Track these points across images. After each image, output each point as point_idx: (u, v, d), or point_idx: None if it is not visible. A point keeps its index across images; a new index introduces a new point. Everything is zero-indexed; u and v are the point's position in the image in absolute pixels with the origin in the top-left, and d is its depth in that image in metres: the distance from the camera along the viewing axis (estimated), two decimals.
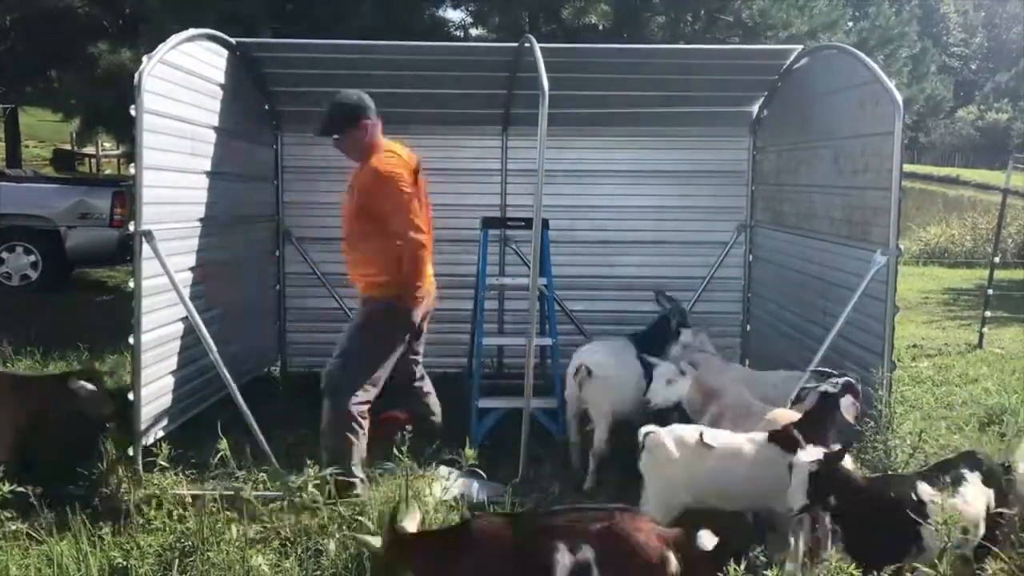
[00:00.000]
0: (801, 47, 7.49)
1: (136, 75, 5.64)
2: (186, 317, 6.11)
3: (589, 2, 11.70)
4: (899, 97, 5.52)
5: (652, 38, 12.93)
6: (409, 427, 4.97)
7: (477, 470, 5.25)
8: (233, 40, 7.11)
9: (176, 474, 5.54)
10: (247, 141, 7.83)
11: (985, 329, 10.85)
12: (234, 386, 5.82)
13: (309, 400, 7.42)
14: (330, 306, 8.68)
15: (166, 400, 6.20)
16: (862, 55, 6.10)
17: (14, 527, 4.60)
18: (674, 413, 5.70)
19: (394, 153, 5.69)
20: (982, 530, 4.28)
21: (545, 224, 6.76)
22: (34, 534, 4.62)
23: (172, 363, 6.31)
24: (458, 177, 8.53)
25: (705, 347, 6.68)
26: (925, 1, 66.63)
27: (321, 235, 8.60)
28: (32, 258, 13.12)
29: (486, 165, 8.62)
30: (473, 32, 14.08)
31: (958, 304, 14.39)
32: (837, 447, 4.25)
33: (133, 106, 5.63)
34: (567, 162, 8.47)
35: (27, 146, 29.63)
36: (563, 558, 3.58)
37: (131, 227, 5.71)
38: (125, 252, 12.07)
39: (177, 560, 4.45)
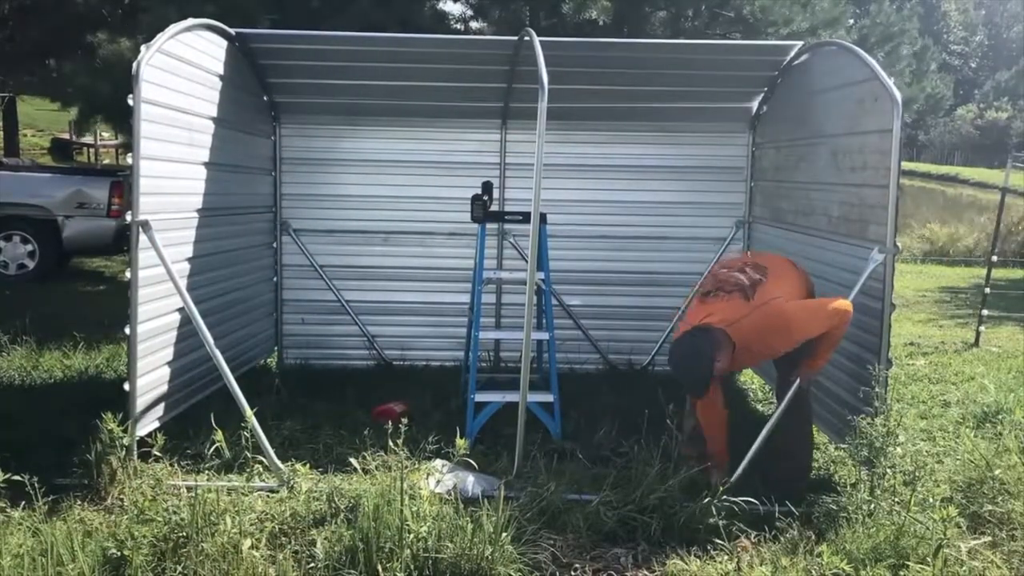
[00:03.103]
0: (801, 43, 7.47)
1: (134, 64, 5.63)
2: (182, 308, 6.10)
3: None
4: (898, 95, 5.50)
5: (653, 33, 12.93)
6: (404, 419, 4.97)
7: (469, 461, 5.26)
8: (232, 31, 7.08)
9: (171, 465, 5.56)
10: (245, 132, 7.82)
11: (982, 327, 10.86)
12: (231, 377, 5.80)
13: (305, 392, 7.46)
14: (327, 298, 8.69)
15: (162, 390, 6.19)
16: (861, 52, 6.08)
17: (10, 515, 4.59)
18: None
19: None
20: None
21: (543, 218, 6.75)
22: (28, 523, 4.61)
23: (168, 354, 6.31)
24: (456, 170, 8.52)
25: None
26: None
27: (319, 227, 8.60)
28: (29, 247, 13.15)
29: (485, 159, 8.60)
30: (473, 25, 14.06)
31: (956, 302, 14.40)
32: None
33: (131, 96, 5.62)
34: (566, 156, 8.46)
35: (25, 135, 29.68)
36: None
37: (128, 217, 5.69)
38: (122, 242, 12.07)
39: (171, 551, 4.45)
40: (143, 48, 5.76)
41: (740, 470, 5.60)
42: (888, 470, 5.13)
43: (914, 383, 8.60)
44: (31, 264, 13.18)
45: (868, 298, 5.69)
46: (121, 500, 5.20)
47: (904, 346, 10.48)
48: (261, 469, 5.24)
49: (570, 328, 8.72)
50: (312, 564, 4.53)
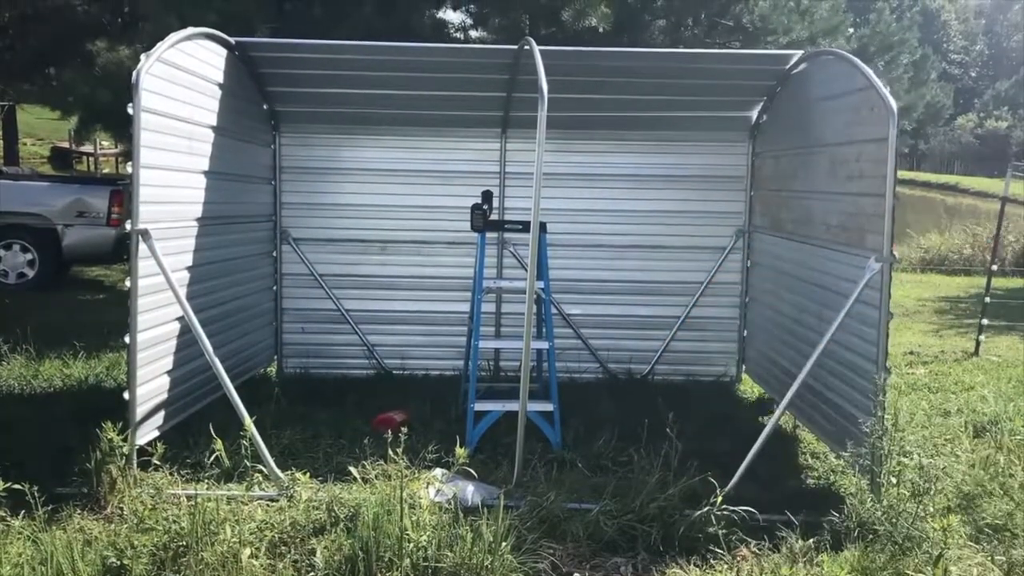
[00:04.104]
0: (800, 52, 7.49)
1: (134, 73, 5.64)
2: (182, 317, 6.10)
3: (589, 5, 11.67)
4: (893, 103, 5.50)
5: (653, 42, 12.95)
6: (404, 428, 4.98)
7: (469, 470, 5.26)
8: (232, 39, 7.10)
9: (171, 473, 5.55)
10: (245, 141, 7.83)
11: (982, 337, 10.86)
12: (230, 386, 5.81)
13: (304, 401, 7.46)
14: (327, 307, 8.69)
15: (162, 399, 6.19)
16: (857, 61, 6.09)
17: (10, 524, 4.58)
18: None
19: None
20: None
21: (543, 227, 6.75)
22: (28, 532, 4.61)
23: (168, 363, 6.31)
24: (456, 179, 8.53)
25: None
26: (926, 8, 66.78)
27: (319, 236, 8.61)
28: (29, 256, 13.15)
29: (484, 168, 8.61)
30: (473, 34, 14.07)
31: (955, 312, 14.40)
32: None
33: (131, 104, 5.63)
34: (566, 165, 8.47)
35: (25, 144, 29.72)
36: None
37: (128, 226, 5.70)
38: (122, 251, 12.08)
39: (170, 560, 4.45)
40: (143, 57, 5.77)
41: (736, 478, 5.60)
42: (889, 479, 5.13)
43: (914, 392, 8.59)
44: (31, 273, 13.19)
45: (866, 307, 5.69)
46: (121, 509, 5.20)
47: (904, 355, 10.48)
48: (261, 478, 5.24)
49: (570, 337, 8.71)
50: (312, 573, 4.53)
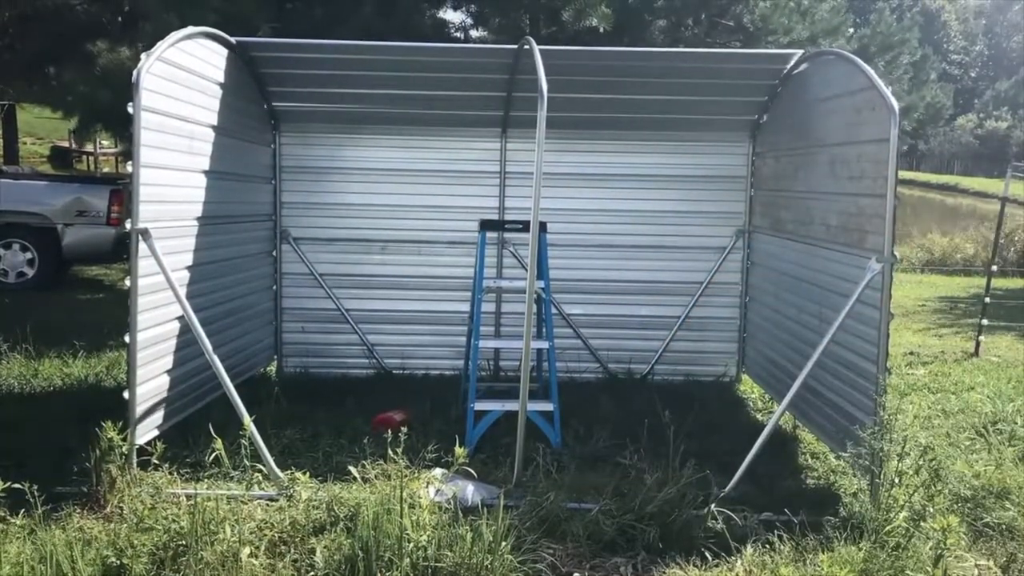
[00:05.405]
0: (801, 52, 7.48)
1: (135, 72, 5.63)
2: (182, 316, 6.10)
3: (589, 5, 11.69)
4: (895, 104, 5.49)
5: (653, 42, 12.95)
6: (404, 428, 4.97)
7: (469, 470, 5.25)
8: (233, 39, 7.09)
9: (171, 473, 5.55)
10: (245, 140, 7.83)
11: (982, 337, 10.86)
12: (230, 385, 5.80)
13: (304, 400, 7.45)
14: (327, 307, 8.69)
15: (161, 399, 6.18)
16: (859, 61, 6.08)
17: (10, 524, 4.58)
18: None
19: None
20: None
21: (543, 227, 6.75)
22: (27, 531, 4.60)
23: (168, 362, 6.30)
24: (456, 179, 8.54)
25: None
26: (926, 8, 66.82)
27: (319, 235, 8.60)
28: (28, 255, 13.15)
29: (485, 167, 8.61)
30: (473, 34, 14.09)
31: (955, 312, 14.40)
32: None
33: (131, 104, 5.63)
34: (566, 165, 8.47)
35: (24, 143, 29.73)
36: None
37: (128, 225, 5.69)
38: (121, 250, 12.06)
39: (170, 559, 4.45)
40: (143, 56, 5.77)
41: (736, 478, 5.60)
42: (888, 479, 5.13)
43: (914, 392, 8.59)
44: (31, 272, 13.19)
45: (866, 307, 5.69)
46: (120, 508, 5.19)
47: (904, 355, 10.47)
48: (260, 477, 5.23)
49: (570, 337, 8.71)
50: (312, 573, 4.52)
